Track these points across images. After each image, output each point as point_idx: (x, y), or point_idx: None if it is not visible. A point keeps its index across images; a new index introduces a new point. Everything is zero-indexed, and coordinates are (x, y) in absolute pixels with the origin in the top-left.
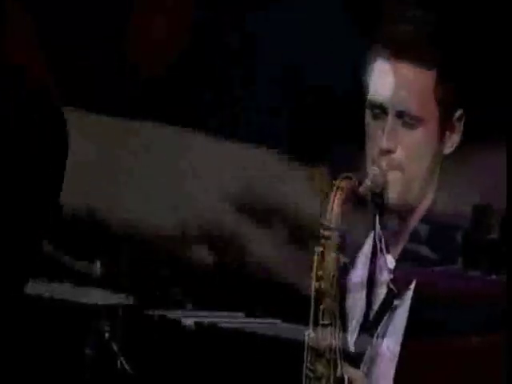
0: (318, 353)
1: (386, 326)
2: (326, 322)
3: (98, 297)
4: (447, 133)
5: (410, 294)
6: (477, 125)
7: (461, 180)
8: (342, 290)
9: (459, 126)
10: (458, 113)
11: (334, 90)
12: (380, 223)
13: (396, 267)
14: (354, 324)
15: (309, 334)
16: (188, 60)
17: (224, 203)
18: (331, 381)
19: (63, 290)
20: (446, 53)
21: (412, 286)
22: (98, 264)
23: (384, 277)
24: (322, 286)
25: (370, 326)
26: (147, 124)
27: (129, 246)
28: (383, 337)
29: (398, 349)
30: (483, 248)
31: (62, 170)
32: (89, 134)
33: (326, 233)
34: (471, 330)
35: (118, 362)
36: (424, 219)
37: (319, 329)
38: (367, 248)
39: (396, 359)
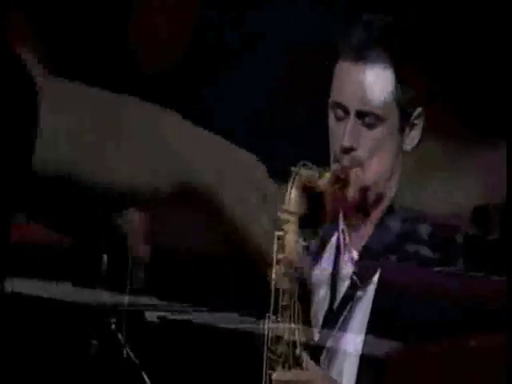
0: (277, 334)
1: (349, 318)
2: (285, 304)
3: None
4: (407, 130)
5: (373, 286)
6: (477, 124)
7: (461, 180)
8: (304, 277)
9: (419, 124)
10: (418, 111)
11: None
12: (344, 218)
13: (359, 260)
14: (318, 317)
15: (269, 316)
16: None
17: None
18: (290, 361)
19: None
20: (401, 53)
21: (375, 279)
22: (105, 258)
23: (347, 270)
24: (282, 269)
25: (333, 316)
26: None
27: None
28: (345, 328)
29: (360, 340)
30: (483, 248)
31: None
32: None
33: (285, 216)
34: (464, 330)
35: (124, 351)
36: (424, 219)
37: (279, 310)
38: (332, 242)
39: (359, 352)
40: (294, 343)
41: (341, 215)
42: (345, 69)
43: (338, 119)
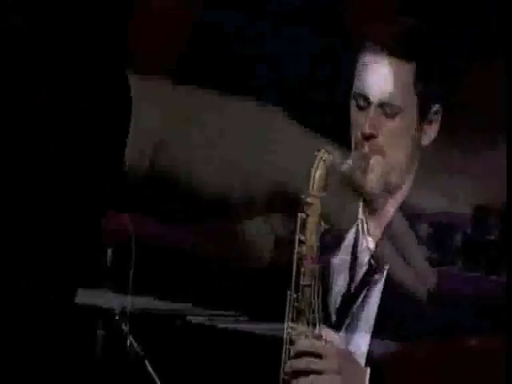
0: (298, 312)
1: (366, 298)
2: (307, 283)
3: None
4: (425, 125)
5: (385, 271)
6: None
7: (461, 180)
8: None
9: (436, 120)
10: (436, 107)
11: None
12: (362, 207)
13: (377, 247)
14: (336, 296)
15: (290, 295)
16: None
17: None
18: (310, 338)
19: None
20: (425, 49)
21: (387, 266)
22: (110, 252)
23: (365, 255)
24: (304, 250)
25: (351, 297)
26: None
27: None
28: (362, 308)
29: (372, 321)
30: (483, 248)
31: (125, 135)
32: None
33: (309, 199)
34: (472, 330)
35: (128, 341)
36: (424, 219)
37: (300, 289)
38: (352, 231)
39: (371, 330)
40: (314, 321)
41: (360, 204)
42: (368, 61)
43: (360, 108)
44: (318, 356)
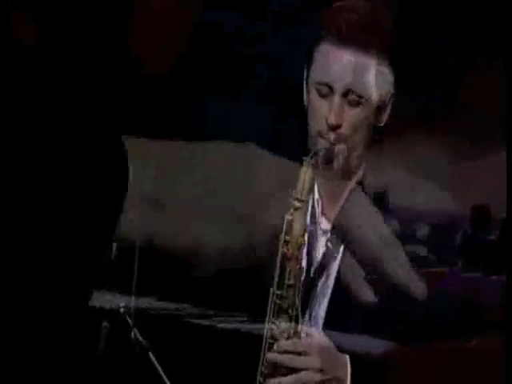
0: (281, 309)
1: (328, 274)
2: (291, 283)
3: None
4: (381, 110)
5: (341, 250)
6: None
7: (461, 180)
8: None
9: (389, 103)
10: (391, 92)
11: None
12: (318, 189)
13: (333, 229)
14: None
15: (273, 292)
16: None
17: None
18: (291, 334)
19: None
20: (385, 40)
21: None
22: (114, 247)
23: (321, 235)
24: (289, 251)
25: (311, 280)
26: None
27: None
28: (326, 283)
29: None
30: (483, 248)
31: (120, 203)
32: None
33: (297, 204)
34: (470, 331)
35: (132, 333)
36: (424, 219)
37: (284, 288)
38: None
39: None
40: (297, 319)
41: (316, 185)
42: (331, 50)
43: (322, 96)
44: (300, 354)
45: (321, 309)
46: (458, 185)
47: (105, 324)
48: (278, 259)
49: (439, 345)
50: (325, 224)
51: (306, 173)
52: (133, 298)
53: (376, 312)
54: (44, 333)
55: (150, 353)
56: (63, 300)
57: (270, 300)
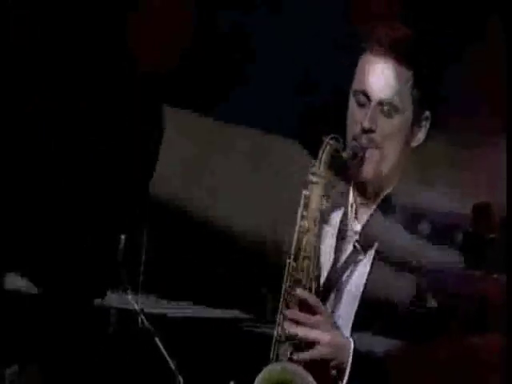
0: (296, 280)
1: (350, 276)
2: (307, 255)
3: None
4: (416, 128)
5: (372, 252)
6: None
7: (461, 180)
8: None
9: (425, 125)
10: (426, 113)
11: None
12: (353, 196)
13: (362, 231)
14: (323, 271)
15: (289, 263)
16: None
17: None
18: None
19: None
20: (424, 60)
21: (374, 247)
22: (123, 238)
23: (351, 238)
24: (306, 224)
25: (337, 273)
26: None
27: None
28: (346, 284)
29: (358, 294)
30: (483, 247)
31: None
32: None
33: (314, 179)
34: (471, 328)
35: (139, 318)
36: (424, 219)
37: (300, 259)
38: (338, 214)
39: (357, 302)
40: (311, 290)
41: (351, 189)
42: (371, 61)
43: (360, 105)
44: (313, 312)
45: (342, 303)
46: (459, 184)
47: (113, 311)
48: (296, 232)
49: (439, 343)
50: (356, 226)
51: (324, 150)
52: (140, 280)
53: (395, 313)
54: (54, 318)
55: (156, 338)
56: (73, 287)
57: (286, 271)
